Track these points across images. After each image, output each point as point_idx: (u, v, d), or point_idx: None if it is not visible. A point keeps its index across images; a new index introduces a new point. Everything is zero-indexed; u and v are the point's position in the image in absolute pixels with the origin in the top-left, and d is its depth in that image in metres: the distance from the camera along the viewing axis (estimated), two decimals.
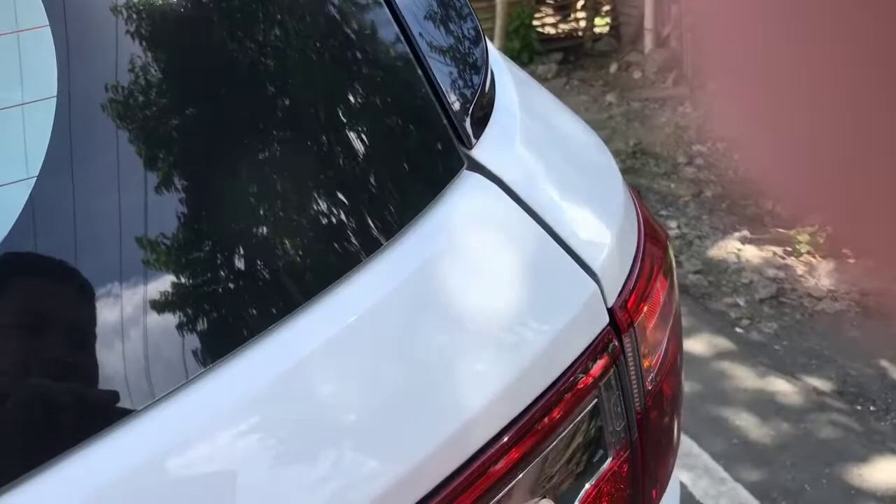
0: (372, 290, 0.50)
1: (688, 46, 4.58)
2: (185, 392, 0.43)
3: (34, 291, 0.42)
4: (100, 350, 0.42)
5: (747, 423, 1.99)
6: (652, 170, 3.71)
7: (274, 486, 0.43)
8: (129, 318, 0.43)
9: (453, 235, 0.55)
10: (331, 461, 0.45)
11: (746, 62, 0.20)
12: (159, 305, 0.44)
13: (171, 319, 0.44)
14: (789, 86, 0.19)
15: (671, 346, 0.68)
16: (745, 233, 2.95)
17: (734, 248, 2.87)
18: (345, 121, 0.54)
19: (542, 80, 5.08)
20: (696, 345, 2.32)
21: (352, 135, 0.54)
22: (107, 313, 0.42)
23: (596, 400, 0.58)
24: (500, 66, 0.72)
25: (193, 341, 0.44)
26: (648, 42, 5.16)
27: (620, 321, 0.60)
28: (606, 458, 0.60)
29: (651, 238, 0.70)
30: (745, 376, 2.18)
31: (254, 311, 0.46)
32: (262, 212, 0.49)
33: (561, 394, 0.55)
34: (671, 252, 0.73)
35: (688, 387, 2.11)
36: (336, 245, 0.51)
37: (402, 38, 0.59)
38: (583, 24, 6.07)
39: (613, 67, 5.31)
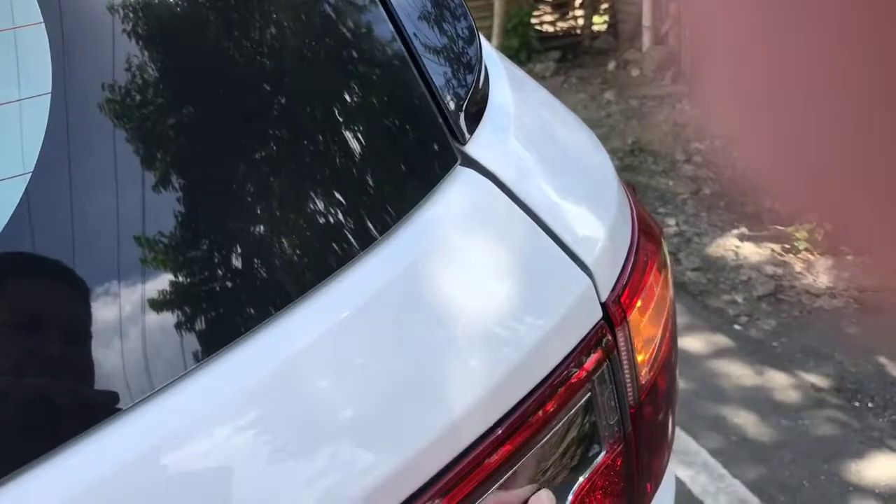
0: (366, 285, 0.50)
1: (686, 44, 4.58)
2: (179, 387, 0.43)
3: (28, 287, 0.43)
4: (94, 345, 0.42)
5: (746, 419, 2.00)
6: (650, 167, 3.72)
7: (268, 480, 0.44)
8: (124, 312, 0.43)
9: (447, 231, 0.55)
10: (326, 454, 0.46)
11: (745, 60, 0.20)
12: (153, 300, 0.44)
13: (164, 315, 0.44)
14: (787, 83, 0.19)
15: (665, 341, 0.68)
16: (744, 230, 2.95)
17: (732, 246, 2.87)
18: (338, 117, 0.55)
19: (541, 78, 5.08)
20: (694, 342, 2.33)
21: (345, 131, 0.54)
22: (101, 308, 0.43)
23: (589, 394, 0.58)
24: (495, 63, 0.73)
25: (187, 337, 0.44)
26: (647, 40, 5.16)
27: (614, 315, 0.60)
28: (600, 452, 0.60)
29: (645, 233, 0.70)
30: (743, 373, 2.18)
31: (247, 307, 0.47)
32: (256, 208, 0.49)
33: (554, 388, 0.55)
34: (665, 247, 0.74)
35: (686, 384, 2.11)
36: (330, 240, 0.51)
37: (395, 35, 0.59)
38: (581, 21, 6.07)
39: (611, 65, 5.31)
